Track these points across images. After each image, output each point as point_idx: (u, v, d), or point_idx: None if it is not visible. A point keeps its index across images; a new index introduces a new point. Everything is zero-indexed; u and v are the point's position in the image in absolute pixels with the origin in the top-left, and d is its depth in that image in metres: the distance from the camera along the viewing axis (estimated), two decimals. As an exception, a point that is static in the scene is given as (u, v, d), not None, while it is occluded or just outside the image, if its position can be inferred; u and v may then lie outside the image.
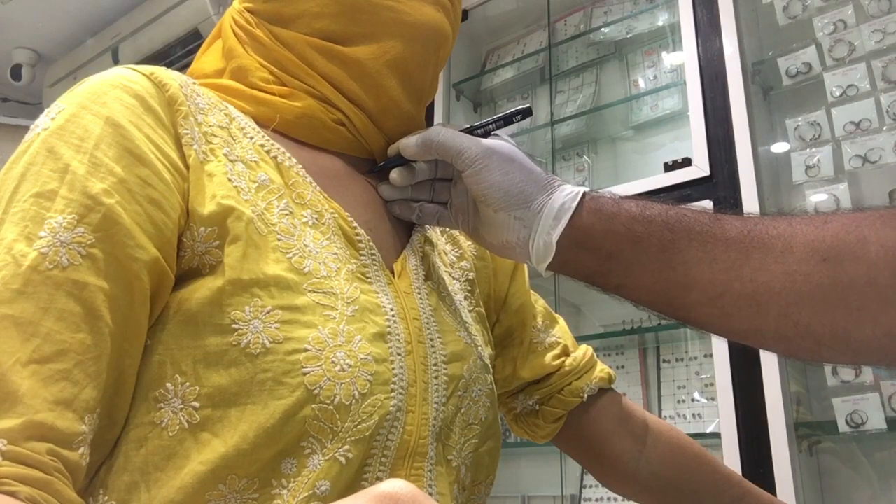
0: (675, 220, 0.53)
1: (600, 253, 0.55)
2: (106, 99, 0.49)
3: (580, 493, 1.76)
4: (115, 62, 2.43)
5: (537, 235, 0.56)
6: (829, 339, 0.47)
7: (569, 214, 0.55)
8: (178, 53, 2.35)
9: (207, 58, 0.64)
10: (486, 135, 0.59)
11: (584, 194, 0.56)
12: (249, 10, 0.62)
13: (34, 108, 2.82)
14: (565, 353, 0.75)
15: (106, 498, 0.45)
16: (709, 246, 0.51)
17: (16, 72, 2.60)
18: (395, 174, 0.61)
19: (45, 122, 0.48)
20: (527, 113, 0.60)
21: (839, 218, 0.49)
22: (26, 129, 0.50)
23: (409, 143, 0.60)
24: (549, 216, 0.55)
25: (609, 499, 1.71)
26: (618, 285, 0.56)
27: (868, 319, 0.45)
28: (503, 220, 0.57)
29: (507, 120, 0.60)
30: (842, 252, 0.47)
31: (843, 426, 1.31)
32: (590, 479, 1.76)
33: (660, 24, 1.93)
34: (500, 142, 0.58)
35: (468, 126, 0.60)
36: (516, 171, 0.57)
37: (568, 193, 0.56)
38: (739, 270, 0.50)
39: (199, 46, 0.67)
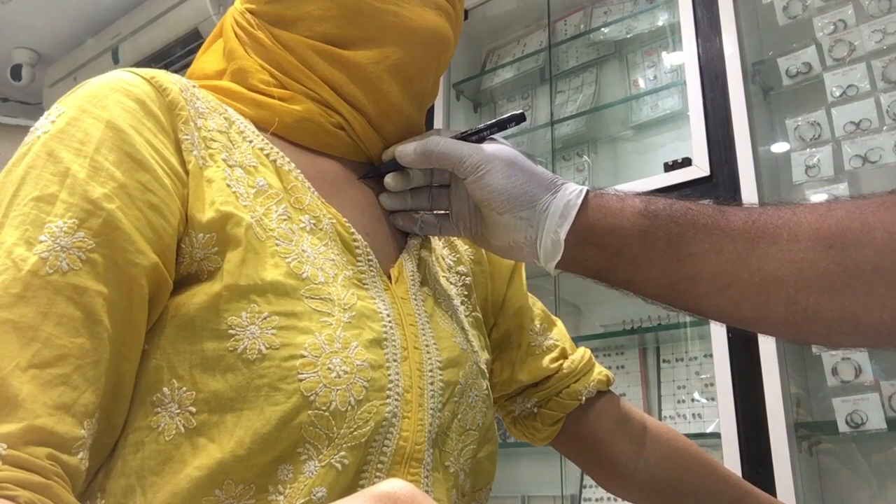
0: (680, 214, 0.53)
1: (607, 249, 0.55)
2: (106, 102, 0.49)
3: (580, 493, 1.77)
4: (115, 62, 2.43)
5: (544, 234, 0.56)
6: (839, 323, 0.48)
7: (574, 211, 0.55)
8: (178, 53, 2.35)
9: (208, 58, 0.64)
10: (480, 140, 0.59)
11: (589, 192, 0.56)
12: (251, 12, 0.62)
13: (34, 108, 2.82)
14: (563, 355, 0.75)
15: (103, 502, 0.46)
16: (714, 237, 0.52)
17: (16, 72, 2.60)
18: (389, 179, 0.61)
19: (44, 125, 0.48)
20: (520, 119, 0.60)
21: (843, 205, 0.49)
22: (26, 129, 0.49)
23: (406, 152, 0.59)
24: (556, 214, 0.56)
25: (609, 499, 1.71)
26: (626, 280, 0.56)
27: (876, 304, 0.46)
28: (509, 222, 0.57)
29: (502, 126, 0.60)
30: (847, 239, 0.47)
31: (842, 426, 1.31)
32: (589, 480, 1.75)
33: (660, 24, 1.92)
34: (499, 146, 0.58)
35: (462, 133, 0.60)
36: (518, 173, 0.57)
37: (572, 191, 0.56)
38: (746, 260, 0.50)
39: (199, 46, 0.67)
